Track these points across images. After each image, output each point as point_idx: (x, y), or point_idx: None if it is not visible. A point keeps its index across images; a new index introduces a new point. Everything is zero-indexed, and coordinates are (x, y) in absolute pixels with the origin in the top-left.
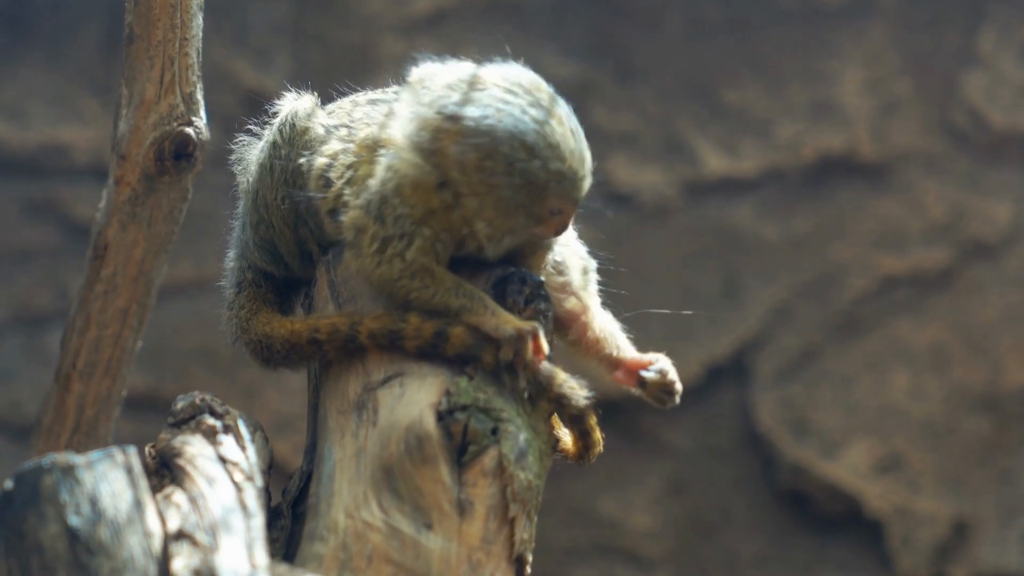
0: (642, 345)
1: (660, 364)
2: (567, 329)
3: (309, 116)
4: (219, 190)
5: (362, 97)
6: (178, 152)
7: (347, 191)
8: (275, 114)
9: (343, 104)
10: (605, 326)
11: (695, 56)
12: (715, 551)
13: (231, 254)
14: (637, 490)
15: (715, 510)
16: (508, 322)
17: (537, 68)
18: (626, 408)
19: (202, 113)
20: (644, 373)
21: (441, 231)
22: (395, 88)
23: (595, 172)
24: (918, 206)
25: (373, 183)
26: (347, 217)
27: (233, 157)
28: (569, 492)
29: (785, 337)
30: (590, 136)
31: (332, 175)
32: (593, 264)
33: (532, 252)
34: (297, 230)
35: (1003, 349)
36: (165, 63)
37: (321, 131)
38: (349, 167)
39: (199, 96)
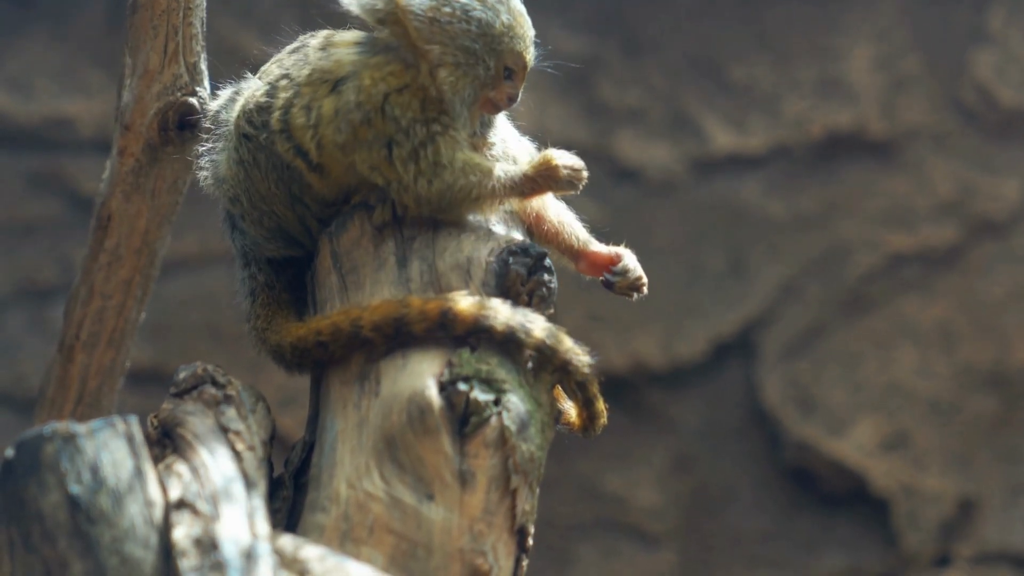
0: (648, 319)
1: (624, 262)
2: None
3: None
4: None
5: (283, 53)
6: (182, 122)
7: (322, 130)
8: (220, 121)
9: (269, 67)
10: (561, 216)
11: (703, 31)
12: (720, 528)
13: (237, 268)
14: (643, 467)
15: (721, 487)
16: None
17: (544, 43)
18: (632, 385)
19: (206, 83)
20: (610, 277)
21: (441, 114)
22: (311, 34)
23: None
24: (926, 183)
25: (351, 108)
26: (361, 165)
27: (204, 179)
28: (575, 468)
29: (792, 314)
30: (597, 112)
31: (294, 122)
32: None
33: (477, 146)
34: (295, 209)
35: (1010, 327)
36: (169, 32)
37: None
38: (307, 107)
39: (203, 66)
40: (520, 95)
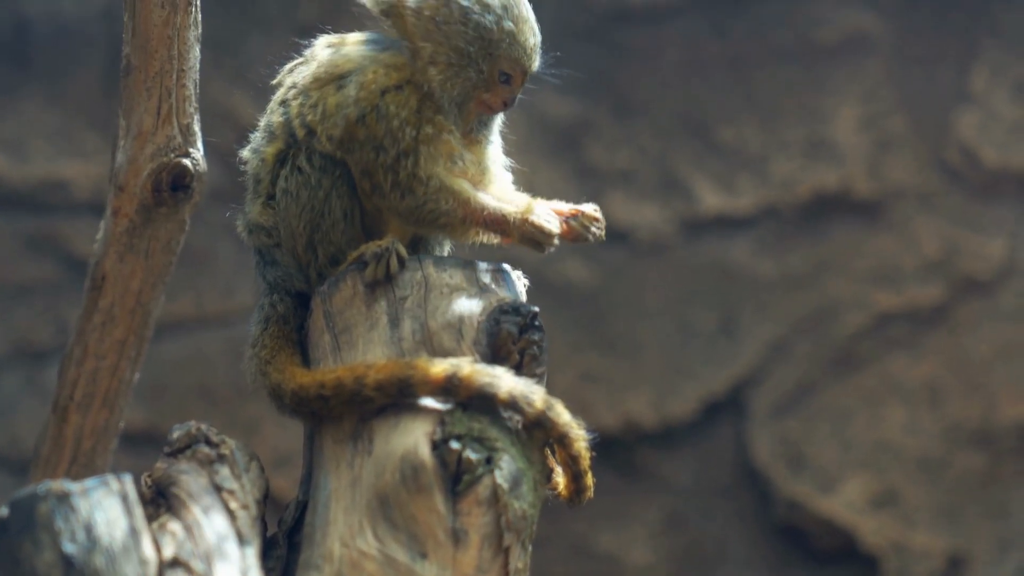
0: (639, 378)
1: (585, 209)
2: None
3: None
4: (218, 226)
5: (283, 73)
6: (175, 183)
7: (327, 124)
8: (249, 175)
9: (275, 96)
10: (504, 193)
11: (691, 93)
12: None
13: (260, 296)
14: (635, 525)
15: (712, 545)
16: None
17: (534, 105)
18: (624, 443)
19: (199, 144)
20: (572, 221)
21: (435, 115)
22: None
23: (548, 63)
24: (913, 243)
25: (350, 104)
26: (355, 168)
27: (239, 229)
28: (567, 527)
29: (781, 373)
30: (588, 173)
31: (308, 120)
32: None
33: (475, 140)
34: (306, 255)
35: (997, 384)
36: (162, 94)
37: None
38: (315, 105)
39: (196, 127)
40: (517, 99)
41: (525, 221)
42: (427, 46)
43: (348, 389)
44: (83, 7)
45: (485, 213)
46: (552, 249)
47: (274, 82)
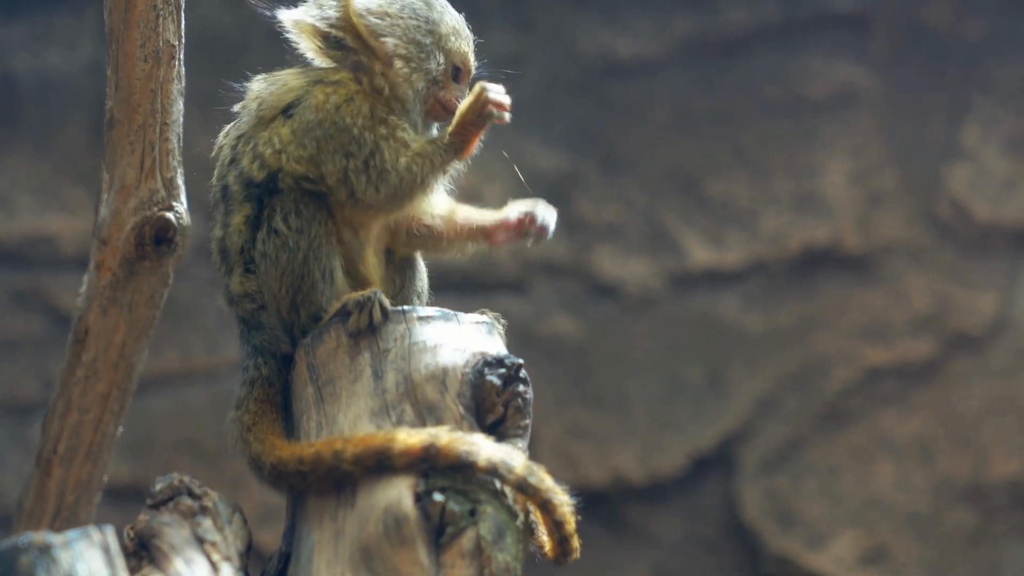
0: (627, 433)
1: (537, 215)
2: (442, 236)
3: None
4: (203, 280)
5: (221, 137)
6: (159, 237)
7: (289, 150)
8: (219, 249)
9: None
10: (466, 210)
11: (680, 147)
12: None
13: (245, 359)
14: None
15: None
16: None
17: (522, 159)
18: (611, 499)
19: (183, 198)
20: (535, 233)
21: (390, 115)
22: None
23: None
24: (903, 298)
25: (314, 127)
26: (330, 179)
27: (219, 305)
28: None
29: (770, 428)
30: (576, 228)
31: (266, 157)
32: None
33: None
34: (290, 315)
35: (988, 440)
36: (146, 148)
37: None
38: (269, 140)
39: (180, 181)
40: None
41: (479, 100)
42: (388, 40)
43: (326, 464)
44: (70, 62)
45: (443, 145)
46: (507, 119)
47: (214, 154)
